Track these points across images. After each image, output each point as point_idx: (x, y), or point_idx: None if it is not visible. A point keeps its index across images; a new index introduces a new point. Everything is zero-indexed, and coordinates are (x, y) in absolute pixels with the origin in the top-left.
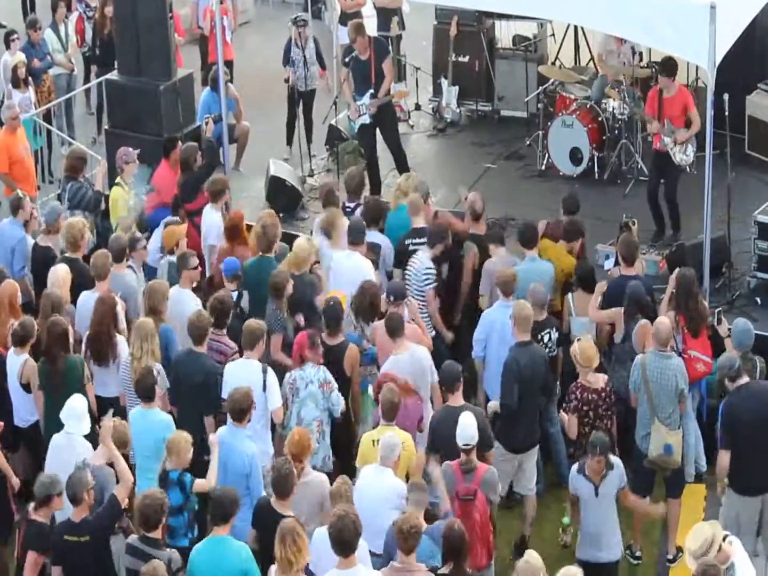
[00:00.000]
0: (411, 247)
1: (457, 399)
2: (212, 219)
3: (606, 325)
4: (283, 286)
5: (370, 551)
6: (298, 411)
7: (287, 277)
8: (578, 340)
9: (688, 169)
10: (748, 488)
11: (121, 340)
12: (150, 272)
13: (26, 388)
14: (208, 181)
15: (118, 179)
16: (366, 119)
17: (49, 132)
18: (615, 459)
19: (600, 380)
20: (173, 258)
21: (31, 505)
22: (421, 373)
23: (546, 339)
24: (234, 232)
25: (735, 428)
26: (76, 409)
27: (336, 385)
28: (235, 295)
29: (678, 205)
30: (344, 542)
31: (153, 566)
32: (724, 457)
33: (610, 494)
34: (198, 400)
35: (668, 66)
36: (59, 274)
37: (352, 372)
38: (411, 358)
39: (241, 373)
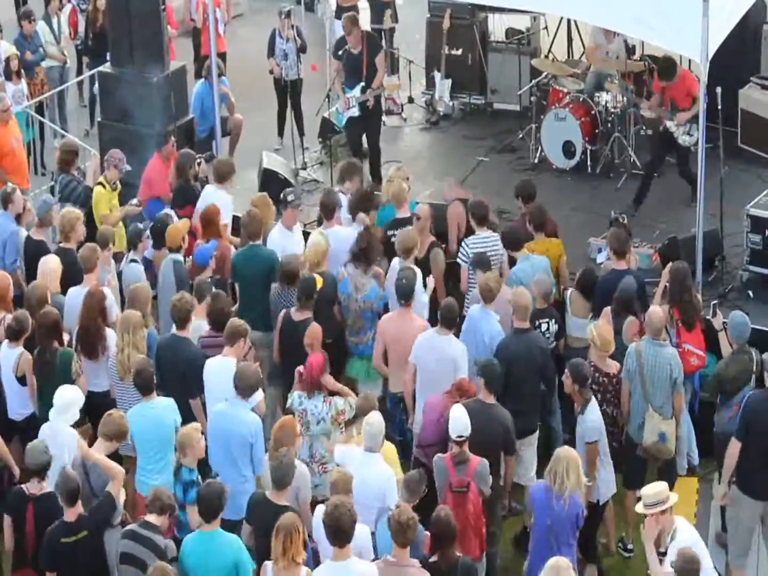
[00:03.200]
0: (393, 239)
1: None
2: (224, 199)
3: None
4: (296, 273)
5: None
6: (310, 445)
7: (299, 264)
8: (595, 324)
9: (692, 149)
10: (752, 491)
11: (110, 333)
12: (146, 265)
13: (21, 381)
14: (214, 162)
15: (101, 178)
16: (355, 112)
17: (41, 124)
18: (593, 405)
19: (612, 366)
20: (177, 256)
21: (30, 483)
22: (446, 364)
23: (543, 328)
24: (206, 224)
25: (752, 425)
26: (62, 399)
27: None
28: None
29: (696, 178)
30: (340, 532)
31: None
32: (734, 446)
33: (581, 439)
34: (183, 384)
35: (664, 70)
36: (50, 266)
37: (313, 350)
38: (433, 344)
39: (218, 372)
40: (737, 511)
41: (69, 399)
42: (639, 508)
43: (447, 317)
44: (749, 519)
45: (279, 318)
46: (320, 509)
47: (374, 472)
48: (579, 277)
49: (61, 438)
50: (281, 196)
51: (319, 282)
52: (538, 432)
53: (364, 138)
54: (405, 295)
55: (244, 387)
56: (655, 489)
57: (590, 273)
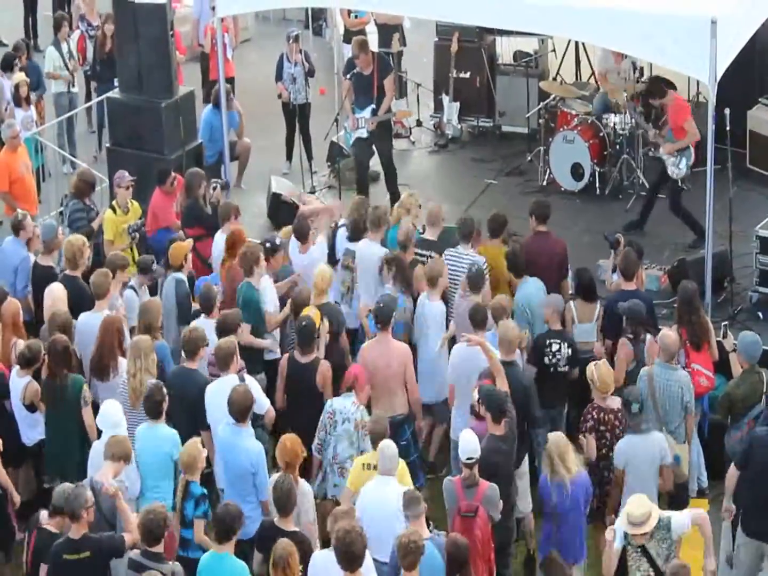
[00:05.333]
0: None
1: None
2: (215, 242)
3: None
4: (303, 305)
5: (379, 560)
6: (335, 445)
7: (308, 296)
8: (596, 365)
9: (680, 183)
10: (752, 531)
11: (121, 360)
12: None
13: (29, 408)
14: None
15: (113, 202)
16: (363, 133)
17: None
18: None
19: (616, 401)
20: (179, 275)
21: (44, 512)
22: (475, 372)
23: (554, 348)
24: (233, 249)
25: (751, 462)
26: (111, 416)
27: None
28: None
29: (685, 212)
30: (353, 557)
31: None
32: (733, 473)
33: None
34: (193, 415)
35: (654, 89)
36: (55, 294)
37: (325, 389)
38: (463, 353)
39: (222, 391)
40: (737, 549)
41: (116, 416)
42: (624, 525)
43: (475, 319)
44: (750, 559)
45: (282, 363)
46: (317, 555)
47: (391, 494)
48: (576, 282)
49: None
50: (264, 245)
51: (317, 318)
52: (526, 464)
53: (372, 160)
54: (381, 319)
55: (237, 412)
56: (640, 509)
57: (584, 275)
